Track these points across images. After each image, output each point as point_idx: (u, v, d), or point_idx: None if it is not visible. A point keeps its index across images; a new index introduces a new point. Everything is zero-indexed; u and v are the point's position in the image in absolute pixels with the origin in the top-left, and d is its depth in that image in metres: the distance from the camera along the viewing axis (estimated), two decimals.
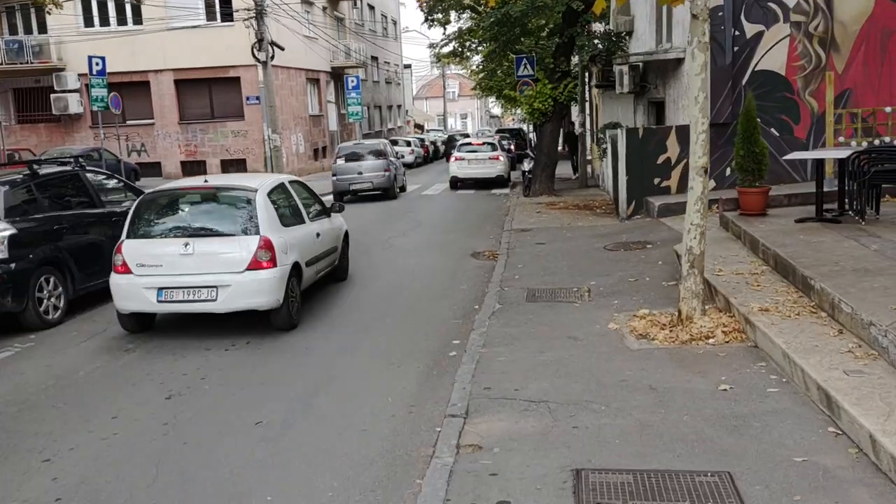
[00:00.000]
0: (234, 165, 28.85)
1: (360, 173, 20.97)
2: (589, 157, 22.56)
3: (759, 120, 10.61)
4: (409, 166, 37.33)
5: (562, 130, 23.57)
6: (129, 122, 28.70)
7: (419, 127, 65.17)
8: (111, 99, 22.66)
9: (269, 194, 8.07)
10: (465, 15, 25.68)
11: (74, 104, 28.01)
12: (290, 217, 8.42)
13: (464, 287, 9.59)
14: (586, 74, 22.13)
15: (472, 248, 12.40)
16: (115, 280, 7.66)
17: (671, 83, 14.85)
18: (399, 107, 55.70)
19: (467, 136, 40.81)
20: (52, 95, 27.66)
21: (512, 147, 32.94)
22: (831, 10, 13.15)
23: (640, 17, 16.41)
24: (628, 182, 13.61)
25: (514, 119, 50.08)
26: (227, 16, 27.06)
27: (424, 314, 8.32)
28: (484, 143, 26.28)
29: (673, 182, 13.67)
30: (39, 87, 28.75)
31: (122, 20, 28.29)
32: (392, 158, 21.40)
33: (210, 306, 7.42)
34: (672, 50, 14.43)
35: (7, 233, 8.20)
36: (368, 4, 45.47)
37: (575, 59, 20.81)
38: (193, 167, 28.91)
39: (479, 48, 24.06)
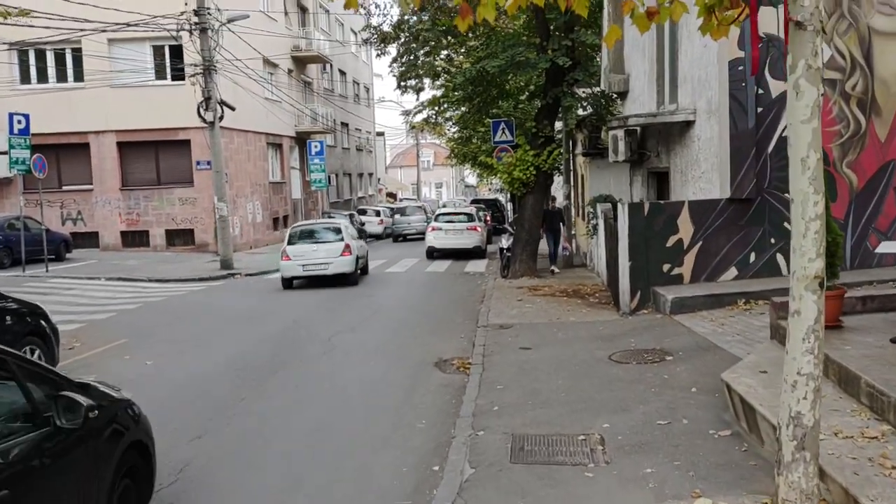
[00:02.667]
0: (180, 236, 26.06)
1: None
2: (573, 232, 20.17)
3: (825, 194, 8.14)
4: (377, 237, 34.92)
5: None
6: (65, 188, 26.01)
7: (392, 196, 63.04)
8: (34, 161, 19.97)
9: (347, 225, 18.21)
10: (438, 81, 23.62)
11: (3, 168, 25.15)
12: (355, 235, 18.08)
13: (421, 425, 6.82)
14: (570, 142, 19.91)
15: (437, 353, 9.67)
16: (283, 263, 16.90)
17: (677, 150, 12.52)
18: (371, 175, 53.58)
19: (413, 205, 38.06)
20: None
21: (488, 218, 30.67)
22: (871, 66, 10.96)
23: (637, 76, 14.22)
24: (631, 269, 11.07)
25: (489, 188, 47.98)
26: (179, 75, 24.69)
27: (351, 487, 5.51)
28: (461, 214, 25.28)
29: (686, 269, 11.15)
30: None
31: (61, 76, 25.80)
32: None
33: (324, 271, 16.72)
34: (679, 111, 12.13)
35: None
36: (339, 70, 43.68)
37: (559, 125, 18.59)
38: (135, 238, 26.11)
39: (453, 114, 21.87)
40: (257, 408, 7.36)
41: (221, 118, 21.03)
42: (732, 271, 11.23)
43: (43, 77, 25.81)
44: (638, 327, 10.07)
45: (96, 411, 4.13)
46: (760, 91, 10.97)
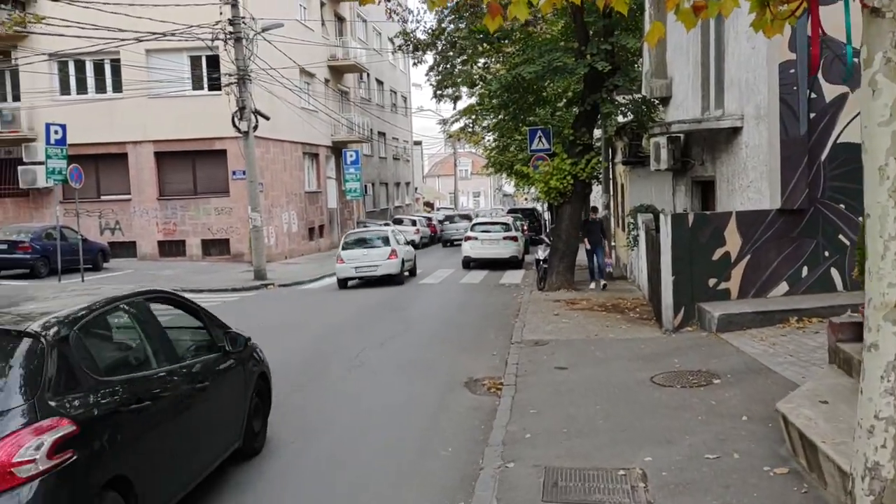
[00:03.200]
0: (215, 246, 26.04)
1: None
2: (613, 244, 19.54)
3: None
4: (413, 245, 34.53)
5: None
6: (103, 198, 26.18)
7: (429, 205, 62.82)
8: (70, 171, 20.02)
9: (393, 232, 21.04)
10: (475, 90, 23.22)
11: (43, 177, 25.40)
12: (401, 242, 20.71)
13: (446, 452, 6.36)
14: (609, 150, 19.31)
15: (467, 372, 9.21)
16: (338, 266, 19.27)
17: (723, 158, 11.89)
18: (408, 184, 53.40)
19: (467, 217, 38.82)
20: (20, 168, 25.15)
21: (525, 228, 30.15)
22: None
23: (680, 80, 13.61)
24: (675, 283, 10.47)
25: (526, 198, 47.32)
26: (215, 85, 24.69)
27: None
28: (498, 224, 24.98)
29: (733, 284, 10.51)
30: (10, 159, 26.32)
31: (100, 87, 26.01)
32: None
33: (374, 272, 19.08)
34: (725, 117, 11.51)
35: None
36: (377, 79, 43.58)
37: (598, 133, 18.03)
38: (172, 247, 26.15)
39: (490, 122, 21.42)
40: (272, 434, 6.97)
41: (256, 128, 20.89)
42: (783, 286, 10.56)
43: (82, 87, 26.04)
44: (682, 346, 9.47)
45: (246, 345, 6.31)
46: (813, 95, 10.31)
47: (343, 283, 19.32)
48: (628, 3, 4.80)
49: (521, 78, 14.58)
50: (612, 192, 19.28)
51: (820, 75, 10.33)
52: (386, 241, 19.83)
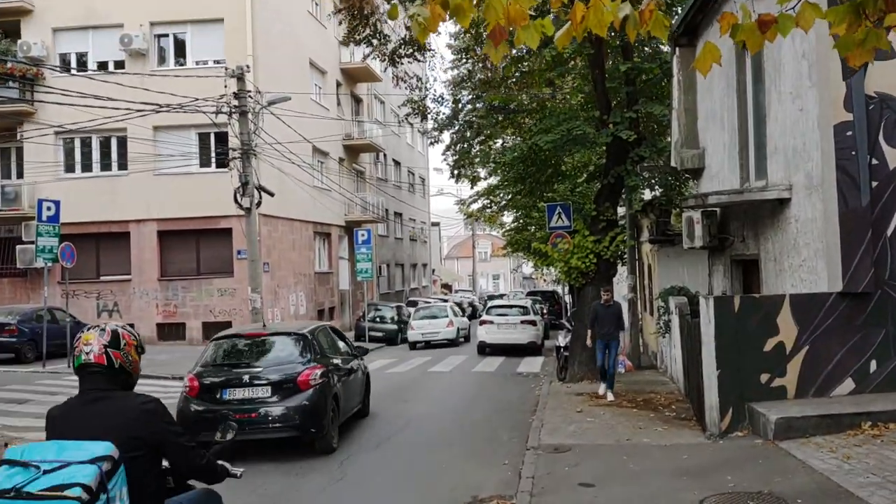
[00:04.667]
0: (217, 329, 24.48)
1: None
2: (640, 328, 17.95)
3: None
4: None
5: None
6: (102, 278, 25.12)
7: (447, 287, 61.51)
8: (62, 250, 18.99)
9: (452, 308, 27.68)
10: (493, 166, 22.23)
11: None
12: (459, 314, 28.10)
13: None
14: (634, 228, 17.95)
15: (472, 487, 7.58)
16: (409, 332, 25.68)
17: (768, 234, 10.44)
18: (424, 265, 52.25)
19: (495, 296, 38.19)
20: (18, 247, 24.21)
21: (545, 311, 28.61)
22: None
23: (715, 150, 12.33)
24: (720, 379, 8.87)
25: (545, 279, 45.81)
26: (223, 161, 23.89)
27: None
28: (515, 307, 23.63)
29: (790, 381, 8.89)
30: (10, 238, 25.47)
31: (105, 165, 25.32)
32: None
33: (436, 337, 25.35)
34: (770, 188, 10.12)
35: None
36: (394, 160, 43.06)
37: (621, 210, 16.72)
38: (171, 330, 24.86)
39: (506, 198, 20.28)
40: None
41: (259, 204, 19.82)
42: (848, 383, 8.92)
43: (87, 165, 25.37)
44: (733, 457, 7.81)
45: (364, 355, 12.00)
46: (875, 161, 8.94)
47: (413, 346, 25.32)
48: (667, 27, 3.54)
49: (537, 148, 13.42)
50: (637, 274, 17.80)
51: (881, 138, 9.00)
52: (445, 313, 26.37)
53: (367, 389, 11.59)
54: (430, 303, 31.36)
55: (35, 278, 25.21)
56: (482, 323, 22.68)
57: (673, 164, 12.96)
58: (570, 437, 9.42)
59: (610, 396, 12.10)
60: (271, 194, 20.25)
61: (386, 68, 15.47)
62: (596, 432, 9.67)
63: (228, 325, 24.54)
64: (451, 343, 25.13)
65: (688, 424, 9.88)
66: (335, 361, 9.99)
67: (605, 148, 13.93)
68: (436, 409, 12.64)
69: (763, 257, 10.64)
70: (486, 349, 22.17)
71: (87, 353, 3.28)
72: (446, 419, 11.65)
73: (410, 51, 14.36)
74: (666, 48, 14.08)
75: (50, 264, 19.18)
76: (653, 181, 14.32)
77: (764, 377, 8.89)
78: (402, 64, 15.00)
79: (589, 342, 12.71)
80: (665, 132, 14.93)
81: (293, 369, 8.98)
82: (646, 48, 14.42)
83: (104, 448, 2.93)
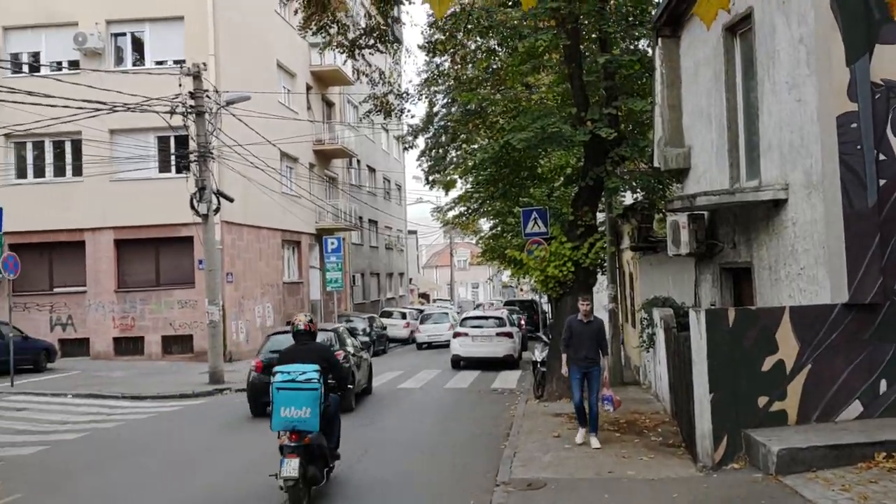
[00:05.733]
0: (177, 343, 23.42)
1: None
2: (622, 340, 16.96)
3: None
4: (403, 342, 31.88)
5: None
6: (56, 290, 23.76)
7: (424, 297, 60.35)
8: (4, 259, 17.70)
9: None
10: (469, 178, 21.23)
11: None
12: (512, 322, 23.30)
13: None
14: (615, 234, 16.99)
15: None
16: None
17: (762, 239, 9.48)
18: (402, 275, 51.10)
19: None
20: None
21: (522, 322, 27.59)
22: None
23: (702, 148, 11.36)
24: (714, 403, 7.86)
25: (522, 289, 44.72)
26: (185, 167, 22.68)
27: None
28: (491, 318, 22.52)
29: (790, 404, 7.91)
30: None
31: (59, 170, 23.99)
32: (348, 347, 14.85)
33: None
34: (764, 188, 9.17)
35: None
36: (368, 166, 41.90)
37: (601, 216, 15.74)
38: (129, 345, 23.52)
39: (480, 203, 19.25)
40: None
41: (217, 210, 18.70)
42: (856, 406, 7.97)
43: (40, 170, 24.01)
44: (731, 496, 6.80)
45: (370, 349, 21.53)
46: (882, 157, 8.02)
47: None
48: None
49: (510, 147, 12.39)
50: (618, 283, 16.82)
51: (889, 131, 8.08)
52: (448, 319, 28.28)
53: (371, 375, 16.20)
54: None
55: None
56: (456, 335, 21.62)
57: (656, 164, 12.00)
58: (545, 470, 8.36)
59: (595, 443, 9.20)
60: (230, 200, 19.13)
61: (346, 61, 14.41)
62: (575, 463, 8.61)
63: (190, 339, 23.30)
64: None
65: (676, 453, 8.86)
66: (350, 350, 13.76)
67: (582, 148, 12.95)
68: (400, 434, 11.51)
69: (756, 265, 9.68)
70: (460, 363, 21.12)
71: (300, 324, 7.72)
72: (410, 447, 10.54)
73: (371, 41, 13.31)
74: (646, 42, 13.15)
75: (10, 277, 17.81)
76: (633, 184, 13.32)
77: (762, 400, 7.90)
78: (362, 56, 13.95)
79: (564, 369, 9.72)
80: (647, 131, 14.00)
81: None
82: (625, 41, 13.48)
83: (315, 366, 7.12)
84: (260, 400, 12.27)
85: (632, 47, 13.58)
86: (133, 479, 8.97)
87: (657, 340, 12.08)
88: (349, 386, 11.59)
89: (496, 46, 12.57)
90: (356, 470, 9.09)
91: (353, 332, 25.89)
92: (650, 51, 12.91)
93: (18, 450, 10.88)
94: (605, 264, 15.15)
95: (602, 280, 16.93)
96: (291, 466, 6.76)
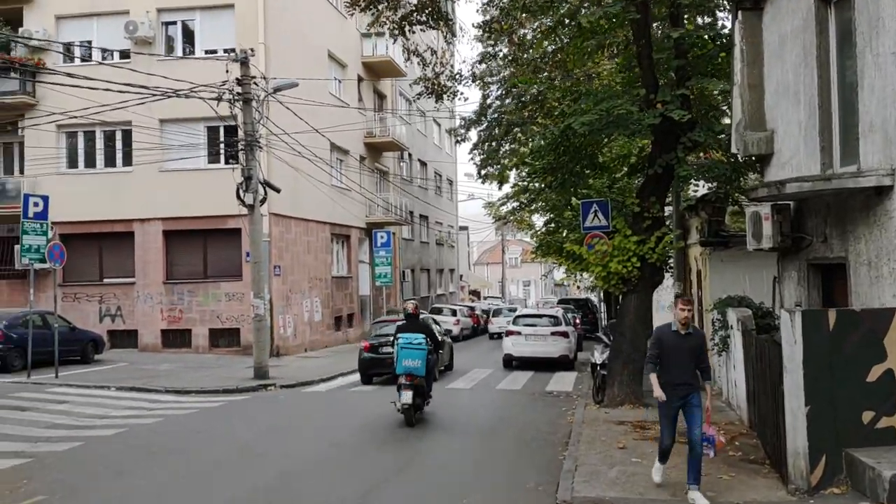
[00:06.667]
0: (224, 336, 23.05)
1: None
2: None
3: None
4: (454, 339, 31.06)
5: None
6: (106, 281, 23.64)
7: (475, 293, 59.51)
8: (50, 248, 17.46)
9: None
10: (524, 169, 20.29)
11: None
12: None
13: None
14: (681, 228, 15.85)
15: None
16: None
17: (860, 232, 8.36)
18: (452, 271, 50.33)
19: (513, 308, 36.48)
20: (16, 247, 22.77)
21: (577, 322, 26.50)
22: None
23: (787, 132, 10.25)
24: (810, 416, 6.84)
25: (578, 286, 43.39)
26: (233, 156, 22.28)
27: None
28: (545, 316, 21.59)
29: None
30: (11, 237, 24.07)
31: (110, 160, 23.83)
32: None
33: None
34: (865, 174, 8.04)
35: None
36: (420, 160, 41.21)
37: (669, 209, 14.65)
38: (176, 337, 23.25)
39: (535, 194, 18.33)
40: None
41: (264, 201, 18.16)
42: None
43: (91, 160, 23.91)
44: None
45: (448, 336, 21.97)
46: None
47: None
48: None
49: (571, 133, 11.43)
50: (685, 281, 15.70)
51: None
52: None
53: (452, 354, 20.26)
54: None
55: (37, 280, 23.74)
56: (508, 334, 20.73)
57: (734, 149, 10.90)
58: (612, 487, 7.44)
59: (700, 500, 6.84)
60: (277, 190, 18.59)
61: (396, 40, 13.59)
62: (645, 479, 7.66)
63: (237, 332, 22.92)
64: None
65: (760, 471, 7.85)
66: (436, 336, 13.53)
67: (650, 134, 11.92)
68: (447, 441, 10.69)
69: (853, 261, 8.56)
70: (512, 362, 20.25)
71: (409, 308, 12.19)
72: (459, 455, 9.72)
73: (423, 17, 12.48)
74: (723, 15, 12.04)
75: (36, 265, 17.59)
76: (706, 172, 12.18)
77: (867, 416, 6.86)
78: (413, 33, 13.13)
79: (657, 393, 7.31)
80: (721, 115, 12.88)
81: (425, 338, 12.04)
82: (700, 15, 12.38)
83: (422, 335, 11.50)
84: (367, 372, 17.21)
85: (706, 22, 12.48)
86: (155, 485, 8.32)
87: (732, 344, 11.00)
88: (440, 350, 14.43)
89: (556, 24, 11.62)
90: (394, 484, 8.28)
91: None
92: (728, 26, 11.81)
93: (52, 445, 10.41)
94: (672, 260, 14.06)
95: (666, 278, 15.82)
96: (407, 396, 10.98)
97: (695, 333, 7.51)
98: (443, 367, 18.62)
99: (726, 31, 12.09)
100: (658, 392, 7.27)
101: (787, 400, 7.03)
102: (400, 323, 12.47)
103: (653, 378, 7.37)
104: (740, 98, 10.83)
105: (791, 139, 10.11)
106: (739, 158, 11.36)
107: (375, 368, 16.85)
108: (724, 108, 13.09)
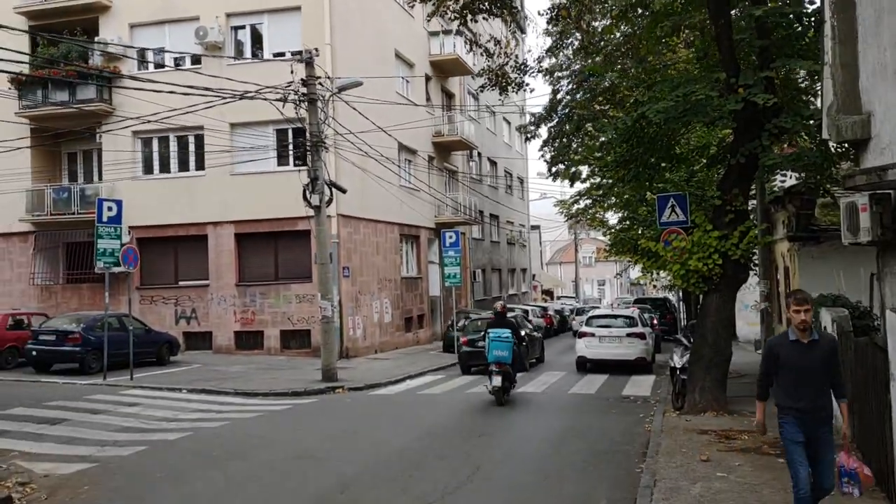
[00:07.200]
0: (295, 338, 23.12)
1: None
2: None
3: None
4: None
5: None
6: (181, 283, 24.05)
7: (548, 294, 58.59)
8: (124, 252, 17.74)
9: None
10: (595, 165, 19.58)
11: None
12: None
13: None
14: (766, 222, 14.86)
15: None
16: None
17: None
18: (524, 271, 49.61)
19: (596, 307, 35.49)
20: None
21: (655, 322, 25.50)
22: None
23: (886, 114, 9.25)
24: None
25: (655, 285, 42.00)
26: (300, 156, 22.26)
27: None
28: (620, 317, 20.85)
29: None
30: (91, 242, 24.74)
31: (183, 165, 24.23)
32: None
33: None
34: None
35: None
36: (489, 159, 40.71)
37: (753, 202, 13.72)
38: (249, 339, 23.45)
39: (606, 184, 17.63)
40: None
41: (330, 202, 17.98)
42: None
43: (165, 166, 24.38)
44: None
45: (538, 331, 23.39)
46: None
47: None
48: None
49: (645, 122, 10.73)
50: (771, 278, 14.72)
51: None
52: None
53: (543, 347, 22.62)
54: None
55: (114, 284, 24.39)
56: (581, 335, 20.01)
57: (825, 135, 9.93)
58: None
59: None
60: (343, 190, 18.43)
61: (459, 28, 13.11)
62: (733, 499, 6.97)
63: (307, 333, 22.94)
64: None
65: (867, 492, 7.01)
66: (520, 331, 14.97)
67: (731, 121, 11.09)
68: (516, 448, 10.17)
69: None
70: (586, 365, 19.52)
71: (498, 308, 14.43)
72: (527, 465, 9.18)
73: (486, 5, 11.98)
74: None
75: (112, 268, 17.90)
76: (794, 161, 11.25)
77: None
78: (475, 22, 12.64)
79: (758, 419, 6.25)
80: (809, 100, 11.93)
81: (511, 332, 13.77)
82: None
83: (509, 330, 13.56)
84: (467, 364, 19.13)
85: None
86: (213, 494, 8.10)
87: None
88: (523, 343, 15.96)
89: (625, 8, 10.94)
90: (458, 495, 7.80)
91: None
92: (815, 2, 10.88)
93: (118, 450, 10.37)
94: (757, 257, 13.15)
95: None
96: (497, 380, 12.96)
97: (822, 342, 6.09)
98: (534, 360, 20.86)
99: (813, 7, 11.15)
100: (759, 416, 6.18)
101: (894, 411, 6.24)
102: (479, 327, 14.93)
103: (758, 406, 6.23)
104: (832, 79, 9.88)
105: (890, 122, 9.13)
106: (831, 145, 10.43)
107: (473, 360, 18.61)
108: (812, 93, 12.11)
